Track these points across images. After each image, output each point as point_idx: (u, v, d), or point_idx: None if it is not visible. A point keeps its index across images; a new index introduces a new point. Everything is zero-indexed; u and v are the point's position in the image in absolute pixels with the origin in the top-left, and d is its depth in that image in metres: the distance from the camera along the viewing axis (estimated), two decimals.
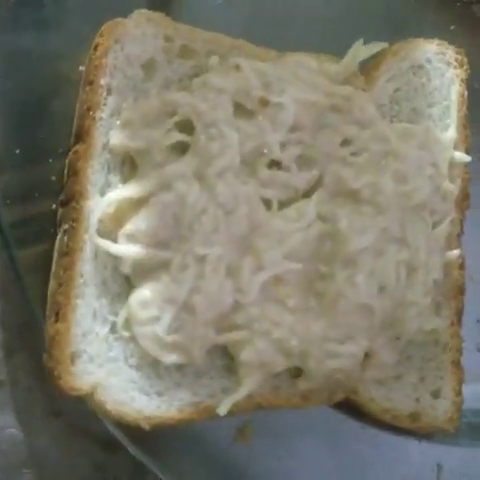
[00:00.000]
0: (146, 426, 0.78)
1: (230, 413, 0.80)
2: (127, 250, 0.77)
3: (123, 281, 0.79)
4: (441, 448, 0.93)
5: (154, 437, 0.81)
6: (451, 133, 0.90)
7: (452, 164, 0.90)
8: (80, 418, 0.86)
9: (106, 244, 0.77)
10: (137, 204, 0.78)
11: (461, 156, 0.90)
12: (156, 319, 0.76)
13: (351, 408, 0.89)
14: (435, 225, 0.87)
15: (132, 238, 0.77)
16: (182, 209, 0.77)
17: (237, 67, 0.82)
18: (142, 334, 0.77)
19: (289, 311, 0.81)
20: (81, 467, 0.89)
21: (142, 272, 0.78)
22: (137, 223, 0.77)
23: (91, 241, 0.77)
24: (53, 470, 0.89)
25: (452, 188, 0.88)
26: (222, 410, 0.79)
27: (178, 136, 0.79)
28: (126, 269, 0.78)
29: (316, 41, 0.90)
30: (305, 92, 0.83)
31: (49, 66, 0.83)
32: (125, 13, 0.82)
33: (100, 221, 0.77)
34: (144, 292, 0.77)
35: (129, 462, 0.88)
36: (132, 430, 0.80)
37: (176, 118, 0.79)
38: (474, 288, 0.97)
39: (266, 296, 0.79)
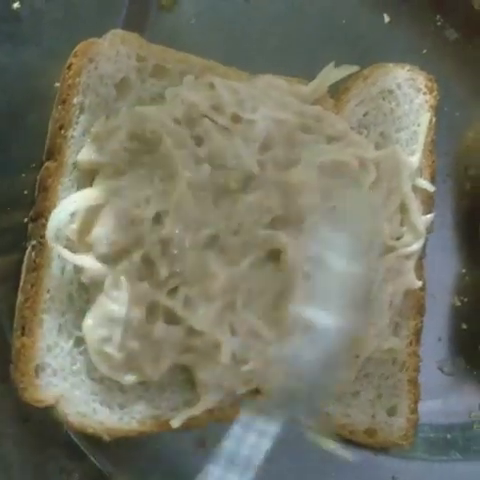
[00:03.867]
0: (107, 437, 0.80)
1: (188, 426, 0.83)
2: (81, 259, 0.78)
3: (87, 296, 0.81)
4: (397, 462, 0.95)
5: (117, 447, 0.83)
6: (417, 158, 0.91)
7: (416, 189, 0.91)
8: (47, 424, 0.86)
9: (62, 251, 0.78)
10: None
11: (425, 184, 0.92)
12: (107, 339, 0.78)
13: None
14: (393, 249, 0.88)
15: (91, 247, 0.78)
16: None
17: (210, 85, 0.83)
18: (96, 357, 0.79)
19: (243, 337, 0.81)
20: (48, 472, 0.91)
21: (97, 285, 0.79)
22: (96, 231, 0.78)
23: (58, 257, 0.79)
24: (20, 474, 0.90)
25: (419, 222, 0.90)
26: (175, 423, 0.82)
27: (137, 145, 0.80)
28: (85, 279, 0.79)
29: (288, 64, 0.90)
30: (276, 111, 0.84)
31: (24, 81, 0.85)
32: (101, 29, 0.83)
33: (67, 239, 0.79)
34: (94, 311, 0.79)
35: (95, 468, 0.89)
36: (95, 439, 0.82)
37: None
38: (436, 306, 0.99)
39: (220, 321, 0.80)
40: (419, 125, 0.93)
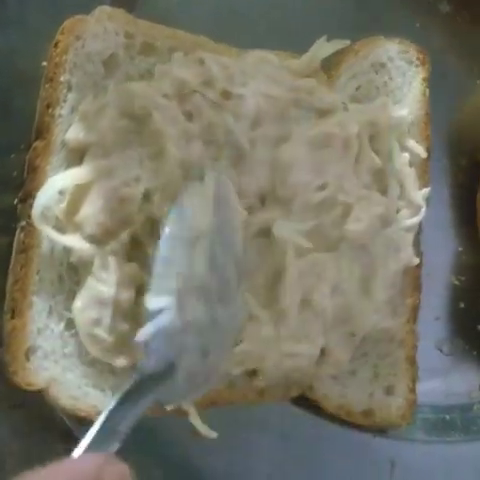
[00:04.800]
0: None
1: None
2: (68, 239, 0.77)
3: (78, 278, 0.80)
4: (396, 443, 0.93)
5: None
6: (405, 111, 0.90)
7: (411, 162, 0.90)
8: (41, 409, 0.86)
9: (49, 231, 0.77)
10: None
11: (416, 147, 0.90)
12: (97, 322, 0.77)
13: (307, 403, 0.90)
14: (391, 225, 0.87)
15: (80, 226, 0.77)
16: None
17: (200, 61, 0.82)
18: (87, 339, 0.78)
19: None
20: (42, 457, 0.90)
21: (86, 267, 0.78)
22: (84, 210, 0.77)
23: (47, 237, 0.78)
24: (15, 459, 0.89)
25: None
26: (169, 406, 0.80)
27: (126, 123, 0.79)
28: (75, 260, 0.78)
29: (279, 39, 0.90)
30: (267, 86, 0.83)
31: (11, 62, 0.85)
32: (88, 9, 0.82)
33: (56, 218, 0.78)
34: (83, 293, 0.77)
35: None
36: (89, 423, 0.80)
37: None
38: (433, 286, 0.98)
39: None
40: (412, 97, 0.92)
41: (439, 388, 0.99)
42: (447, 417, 0.98)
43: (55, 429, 0.88)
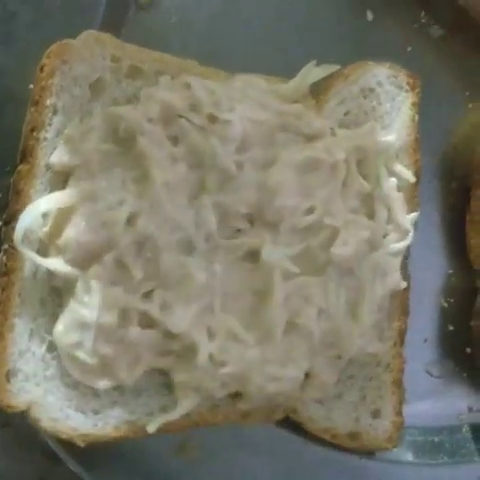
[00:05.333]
0: (81, 443, 0.80)
1: (166, 431, 0.82)
2: (50, 263, 0.78)
3: (60, 301, 0.80)
4: (383, 466, 0.94)
5: (93, 452, 0.82)
6: (393, 137, 0.90)
7: (400, 187, 0.90)
8: (26, 429, 0.86)
9: (30, 254, 0.77)
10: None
11: (403, 171, 0.90)
12: (78, 345, 0.77)
13: (293, 424, 0.90)
14: (378, 249, 0.87)
15: (63, 249, 0.77)
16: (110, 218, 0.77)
17: (187, 85, 0.82)
18: (68, 362, 0.78)
19: (222, 339, 0.81)
20: (27, 476, 0.91)
21: (69, 289, 0.78)
22: (67, 233, 0.77)
23: (30, 260, 0.78)
24: (1, 477, 0.90)
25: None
26: (151, 428, 0.81)
27: (111, 146, 0.79)
28: (57, 283, 0.79)
29: (268, 63, 0.90)
30: (254, 110, 0.83)
31: None
32: (77, 30, 0.83)
33: (40, 241, 0.79)
34: (65, 316, 0.78)
35: (73, 472, 0.88)
36: (70, 445, 0.81)
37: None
38: (422, 308, 0.98)
39: (198, 324, 0.80)
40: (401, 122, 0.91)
41: (428, 410, 0.99)
42: (436, 439, 0.98)
43: (39, 448, 0.89)
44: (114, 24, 0.89)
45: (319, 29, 0.98)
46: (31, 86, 0.82)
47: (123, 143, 0.80)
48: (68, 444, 0.82)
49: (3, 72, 0.85)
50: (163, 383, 0.84)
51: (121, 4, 0.92)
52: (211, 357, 0.80)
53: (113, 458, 0.86)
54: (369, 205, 0.89)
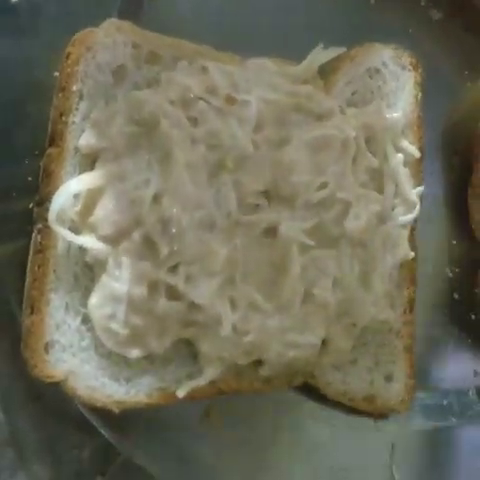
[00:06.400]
0: (116, 410, 0.83)
1: (193, 398, 0.86)
2: (83, 240, 0.81)
3: (92, 275, 0.84)
4: (395, 428, 0.98)
5: (125, 420, 0.86)
6: (400, 114, 0.94)
7: (406, 162, 0.94)
8: (57, 402, 0.90)
9: (64, 232, 0.81)
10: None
11: (409, 147, 0.94)
12: (111, 317, 0.81)
13: (310, 390, 0.94)
14: (388, 221, 0.92)
15: (94, 228, 0.81)
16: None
17: (204, 69, 0.86)
18: (102, 333, 0.82)
19: (243, 310, 0.85)
20: (58, 447, 0.93)
21: (101, 265, 0.82)
22: (97, 212, 0.81)
23: (63, 238, 0.82)
24: (33, 449, 0.93)
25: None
26: (181, 393, 0.85)
27: (135, 129, 0.83)
28: (89, 259, 0.82)
29: (278, 48, 0.93)
30: (268, 92, 0.87)
31: (25, 72, 0.89)
32: (97, 20, 0.86)
33: (72, 220, 0.82)
34: (98, 290, 0.82)
35: (104, 443, 0.91)
36: (104, 413, 0.85)
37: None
38: (429, 278, 1.03)
39: (221, 296, 0.84)
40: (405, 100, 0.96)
41: (436, 375, 1.03)
42: (444, 402, 1.02)
43: (70, 421, 0.92)
44: (130, 14, 0.93)
45: (327, 15, 1.02)
46: (56, 74, 0.86)
47: (146, 125, 0.83)
48: (102, 414, 0.86)
49: (30, 61, 0.89)
50: (190, 352, 0.87)
51: None
52: (234, 327, 0.84)
53: (143, 427, 0.90)
54: (378, 180, 0.93)
